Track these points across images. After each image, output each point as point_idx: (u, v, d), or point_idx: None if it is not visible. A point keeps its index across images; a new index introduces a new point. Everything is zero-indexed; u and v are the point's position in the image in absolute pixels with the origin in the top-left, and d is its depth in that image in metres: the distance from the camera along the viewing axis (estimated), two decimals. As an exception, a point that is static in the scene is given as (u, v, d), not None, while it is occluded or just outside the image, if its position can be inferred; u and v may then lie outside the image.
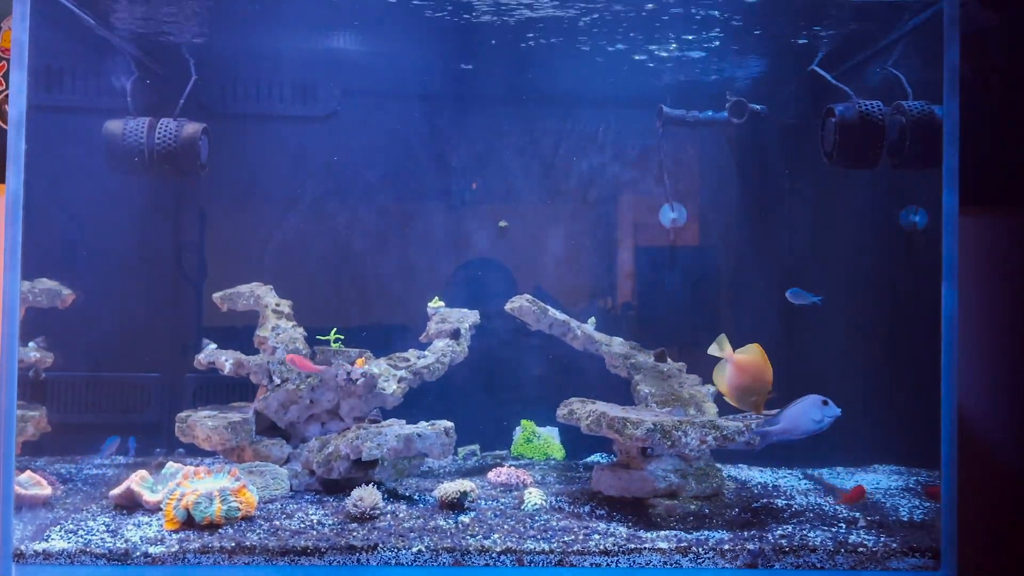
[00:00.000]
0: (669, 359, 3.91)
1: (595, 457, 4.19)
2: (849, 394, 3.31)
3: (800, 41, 3.70)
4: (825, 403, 2.92)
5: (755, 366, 3.05)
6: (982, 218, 3.59)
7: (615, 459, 3.42)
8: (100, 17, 3.49)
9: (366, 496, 3.05)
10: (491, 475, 3.66)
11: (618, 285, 4.40)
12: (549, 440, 4.20)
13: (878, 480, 3.87)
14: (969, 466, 2.89)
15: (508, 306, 3.97)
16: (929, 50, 2.93)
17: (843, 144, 3.60)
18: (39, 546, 2.74)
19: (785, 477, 3.91)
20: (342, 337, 3.73)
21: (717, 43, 3.75)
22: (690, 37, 3.67)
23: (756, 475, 3.94)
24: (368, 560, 2.73)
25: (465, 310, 4.05)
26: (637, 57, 3.86)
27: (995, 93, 3.69)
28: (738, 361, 3.08)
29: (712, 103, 4.15)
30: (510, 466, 3.78)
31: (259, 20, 3.57)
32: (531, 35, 3.68)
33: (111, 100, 3.88)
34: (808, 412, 2.92)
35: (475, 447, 4.18)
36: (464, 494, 3.17)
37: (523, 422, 4.25)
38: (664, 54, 3.87)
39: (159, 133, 3.70)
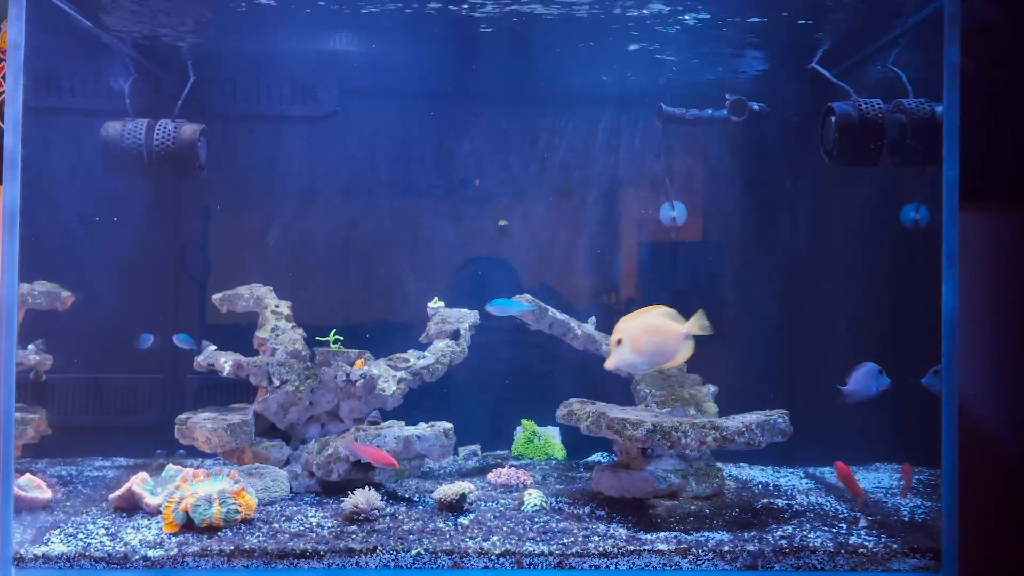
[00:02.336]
0: (669, 359, 3.89)
1: (596, 456, 4.18)
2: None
3: (800, 38, 3.68)
4: (880, 372, 3.20)
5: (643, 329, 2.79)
6: (984, 215, 3.57)
7: (615, 459, 3.41)
8: (97, 19, 3.48)
9: (362, 499, 3.04)
10: (491, 476, 3.65)
11: (620, 283, 4.38)
12: (550, 440, 4.19)
13: (880, 479, 3.85)
14: (971, 465, 2.87)
15: (508, 306, 3.95)
16: (930, 47, 2.91)
17: (843, 143, 3.57)
18: (39, 550, 2.74)
19: (786, 476, 3.90)
20: (341, 338, 3.72)
21: (717, 41, 3.73)
22: (689, 35, 3.65)
23: (757, 474, 3.93)
24: (367, 563, 2.73)
25: (465, 310, 4.03)
26: (632, 47, 3.84)
27: (999, 88, 3.66)
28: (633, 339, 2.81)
29: (711, 101, 4.13)
30: (510, 467, 3.77)
31: (257, 20, 3.56)
32: (531, 32, 3.67)
33: (110, 101, 3.87)
34: (867, 379, 3.21)
35: (476, 447, 4.17)
36: (463, 496, 3.16)
37: (524, 422, 4.24)
38: (663, 53, 3.86)
39: (158, 134, 3.69)
